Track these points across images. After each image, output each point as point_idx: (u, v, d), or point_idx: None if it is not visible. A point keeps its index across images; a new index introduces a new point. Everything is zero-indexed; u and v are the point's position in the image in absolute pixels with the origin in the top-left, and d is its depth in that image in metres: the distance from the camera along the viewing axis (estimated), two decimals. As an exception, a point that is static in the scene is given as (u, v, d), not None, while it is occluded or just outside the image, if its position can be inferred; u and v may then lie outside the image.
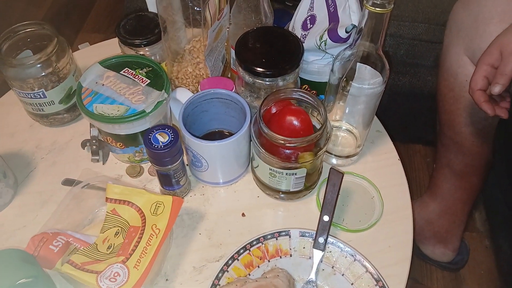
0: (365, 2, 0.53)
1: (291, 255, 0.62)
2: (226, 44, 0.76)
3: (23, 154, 0.75)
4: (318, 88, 0.73)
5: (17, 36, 0.73)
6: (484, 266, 1.16)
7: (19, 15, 1.89)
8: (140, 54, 0.74)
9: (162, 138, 0.59)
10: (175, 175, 0.64)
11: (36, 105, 0.73)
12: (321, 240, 0.60)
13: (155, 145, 0.59)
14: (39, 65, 0.69)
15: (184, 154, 0.66)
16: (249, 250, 0.61)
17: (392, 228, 0.67)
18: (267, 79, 0.64)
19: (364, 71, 0.60)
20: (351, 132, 0.72)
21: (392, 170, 0.73)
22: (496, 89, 0.64)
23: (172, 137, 0.60)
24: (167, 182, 0.65)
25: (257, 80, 0.64)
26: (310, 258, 0.61)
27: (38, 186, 0.71)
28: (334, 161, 0.73)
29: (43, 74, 0.70)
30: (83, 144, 0.75)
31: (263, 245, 0.62)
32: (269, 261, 0.61)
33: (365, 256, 0.60)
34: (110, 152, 0.74)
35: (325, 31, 0.64)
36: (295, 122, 0.62)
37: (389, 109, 0.94)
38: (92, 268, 0.56)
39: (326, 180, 0.63)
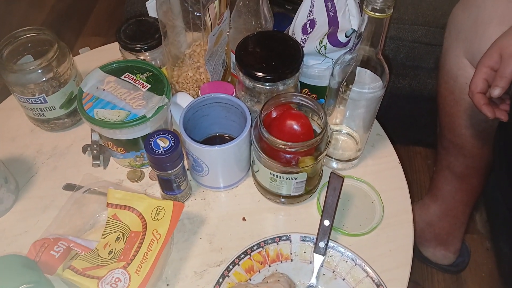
0: (364, 7, 0.53)
1: (291, 260, 0.62)
2: (226, 48, 0.76)
3: (24, 159, 0.75)
4: (318, 92, 0.73)
5: (18, 42, 0.73)
6: (485, 268, 1.16)
7: (19, 19, 1.90)
8: (141, 59, 0.74)
9: (163, 143, 0.60)
10: (176, 180, 0.64)
11: (37, 110, 0.74)
12: (321, 244, 0.60)
13: (156, 150, 0.59)
14: (40, 71, 0.70)
15: (185, 159, 0.66)
16: (250, 255, 0.61)
17: (393, 232, 0.67)
18: (267, 84, 0.64)
19: (364, 75, 0.60)
20: (351, 136, 0.72)
21: (392, 174, 0.73)
22: (496, 92, 0.64)
23: (173, 142, 0.60)
24: (168, 187, 0.65)
25: (257, 85, 0.65)
26: (311, 262, 0.61)
27: (39, 191, 0.71)
28: (334, 165, 0.73)
29: (44, 79, 0.70)
30: (84, 149, 0.75)
31: (264, 249, 0.62)
32: (269, 266, 0.61)
33: (365, 260, 0.61)
34: (111, 157, 0.74)
35: (325, 35, 0.65)
36: (296, 127, 0.62)
37: (389, 111, 0.94)
38: (93, 274, 0.56)
39: (327, 184, 0.63)
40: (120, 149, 0.69)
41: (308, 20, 0.69)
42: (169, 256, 0.64)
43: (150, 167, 0.72)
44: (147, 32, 0.74)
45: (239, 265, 0.60)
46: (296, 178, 0.63)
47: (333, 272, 0.61)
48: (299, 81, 0.71)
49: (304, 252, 0.62)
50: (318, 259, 0.60)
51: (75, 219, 0.64)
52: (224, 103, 0.68)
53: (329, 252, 0.62)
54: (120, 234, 0.61)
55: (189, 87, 0.76)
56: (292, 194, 0.67)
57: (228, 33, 0.73)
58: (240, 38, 0.67)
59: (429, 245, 1.10)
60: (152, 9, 0.78)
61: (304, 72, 0.70)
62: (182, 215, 0.66)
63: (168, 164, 0.61)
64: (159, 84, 0.68)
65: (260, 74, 0.63)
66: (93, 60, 0.79)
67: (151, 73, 0.69)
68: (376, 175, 0.73)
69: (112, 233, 0.61)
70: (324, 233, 0.61)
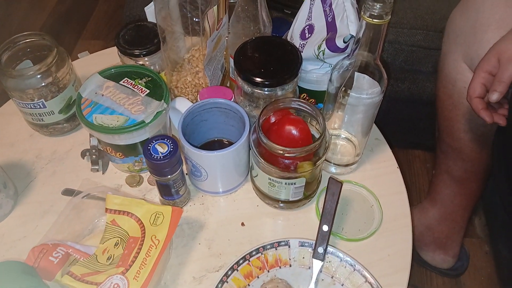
0: (362, 13, 0.53)
1: (290, 265, 0.62)
2: (225, 53, 0.76)
3: (23, 164, 0.75)
4: (316, 96, 0.73)
5: (17, 47, 0.73)
6: (484, 272, 1.16)
7: (19, 22, 1.90)
8: (140, 64, 0.74)
9: (162, 149, 0.60)
10: (174, 185, 0.64)
11: (36, 115, 0.74)
12: (320, 250, 0.60)
13: (154, 156, 0.59)
14: (39, 76, 0.70)
15: (184, 164, 0.66)
16: (249, 261, 0.61)
17: (392, 237, 0.67)
18: (265, 89, 0.64)
19: (362, 80, 0.60)
20: (350, 141, 0.72)
21: (391, 178, 0.73)
22: (494, 97, 0.64)
23: (172, 148, 0.60)
24: (166, 192, 0.65)
25: (256, 90, 0.65)
26: (309, 268, 0.61)
27: (38, 196, 0.71)
28: (333, 169, 0.73)
29: (43, 84, 0.70)
30: (83, 154, 0.75)
31: (263, 255, 0.62)
32: (268, 271, 0.61)
33: (364, 265, 0.61)
34: (110, 162, 0.74)
35: (323, 40, 0.65)
36: (294, 132, 0.62)
37: (388, 115, 0.94)
38: (92, 280, 0.56)
39: (326, 188, 0.63)
40: (119, 154, 0.69)
41: (307, 26, 0.69)
42: (167, 261, 0.64)
43: (149, 172, 0.72)
44: (146, 37, 0.74)
45: (237, 270, 0.60)
46: (294, 183, 0.63)
47: (332, 277, 0.61)
48: (298, 86, 0.71)
49: (303, 258, 0.62)
50: (317, 264, 0.60)
51: (74, 225, 0.64)
52: (223, 108, 0.68)
53: (327, 257, 0.62)
54: (118, 239, 0.61)
55: (188, 91, 0.76)
56: (291, 199, 0.67)
57: (226, 38, 0.73)
58: (238, 43, 0.68)
59: (428, 249, 1.10)
60: (151, 14, 0.79)
61: (302, 77, 0.70)
62: (181, 220, 0.66)
63: (166, 170, 0.61)
64: (158, 89, 0.68)
65: (258, 79, 0.63)
66: (92, 65, 0.79)
67: (150, 78, 0.69)
68: (375, 180, 0.73)
69: (110, 238, 0.61)
70: (323, 239, 0.61)
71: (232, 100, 0.69)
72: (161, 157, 0.59)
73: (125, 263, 0.57)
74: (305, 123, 0.63)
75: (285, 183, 0.63)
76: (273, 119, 0.64)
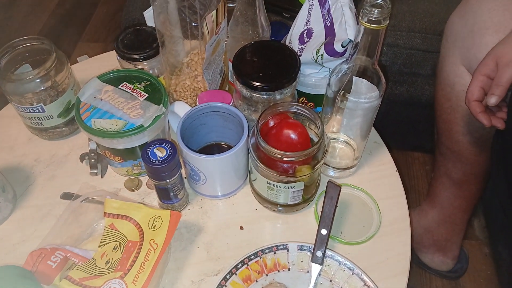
0: (360, 18, 0.53)
1: (289, 269, 0.62)
2: (224, 57, 0.76)
3: (22, 168, 0.75)
4: (315, 100, 0.73)
5: (16, 51, 0.73)
6: (483, 274, 1.16)
7: (18, 25, 1.90)
8: (139, 68, 0.74)
9: (160, 153, 0.60)
10: (173, 189, 0.64)
11: (35, 119, 0.74)
12: (319, 253, 0.60)
13: (153, 160, 0.59)
14: (38, 80, 0.70)
15: (182, 168, 0.66)
16: (247, 265, 0.61)
17: (390, 240, 0.67)
18: (264, 93, 0.64)
19: (361, 85, 0.60)
20: (348, 144, 0.72)
21: (389, 181, 0.73)
22: (492, 100, 0.64)
23: (170, 152, 0.60)
24: (165, 196, 0.65)
25: (254, 94, 0.65)
26: (308, 272, 0.61)
27: (37, 200, 0.71)
28: (331, 173, 0.73)
29: (42, 88, 0.71)
30: (82, 158, 0.75)
31: (261, 259, 0.62)
32: (267, 275, 0.61)
33: (363, 269, 0.61)
34: (109, 166, 0.74)
35: (322, 45, 0.65)
36: (293, 136, 0.62)
37: (387, 117, 0.94)
38: (90, 284, 0.56)
39: (324, 192, 0.63)
40: (118, 158, 0.69)
41: (305, 30, 0.69)
42: (166, 265, 0.64)
43: (147, 176, 0.72)
44: (144, 42, 0.74)
45: (236, 274, 0.60)
46: (293, 187, 0.63)
47: (331, 281, 0.61)
48: (296, 90, 0.71)
49: (302, 261, 0.62)
50: (315, 268, 0.60)
51: (73, 229, 0.64)
52: (222, 112, 0.68)
53: (326, 261, 0.62)
54: (117, 243, 0.61)
55: (187, 95, 0.76)
56: (289, 203, 0.67)
57: (225, 42, 0.73)
58: (237, 47, 0.68)
59: (427, 251, 1.10)
60: (149, 18, 0.79)
61: (301, 81, 0.70)
62: (180, 224, 0.66)
63: (165, 174, 0.61)
64: (156, 94, 0.68)
65: (257, 83, 0.63)
66: (91, 69, 0.79)
67: (148, 83, 0.69)
68: (374, 183, 0.73)
69: (109, 242, 0.61)
70: (322, 242, 0.61)
71: (231, 104, 0.69)
72: (160, 161, 0.59)
73: (124, 267, 0.57)
74: (303, 127, 0.63)
75: (284, 187, 0.63)
76: (271, 123, 0.64)
